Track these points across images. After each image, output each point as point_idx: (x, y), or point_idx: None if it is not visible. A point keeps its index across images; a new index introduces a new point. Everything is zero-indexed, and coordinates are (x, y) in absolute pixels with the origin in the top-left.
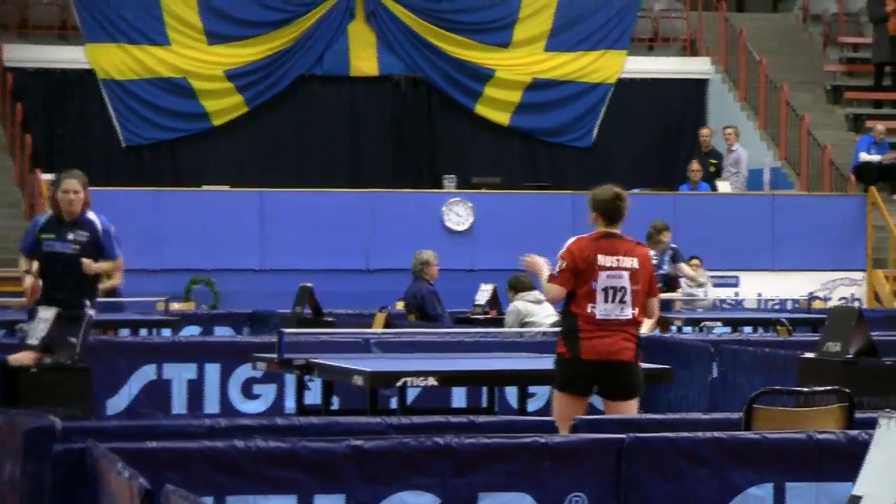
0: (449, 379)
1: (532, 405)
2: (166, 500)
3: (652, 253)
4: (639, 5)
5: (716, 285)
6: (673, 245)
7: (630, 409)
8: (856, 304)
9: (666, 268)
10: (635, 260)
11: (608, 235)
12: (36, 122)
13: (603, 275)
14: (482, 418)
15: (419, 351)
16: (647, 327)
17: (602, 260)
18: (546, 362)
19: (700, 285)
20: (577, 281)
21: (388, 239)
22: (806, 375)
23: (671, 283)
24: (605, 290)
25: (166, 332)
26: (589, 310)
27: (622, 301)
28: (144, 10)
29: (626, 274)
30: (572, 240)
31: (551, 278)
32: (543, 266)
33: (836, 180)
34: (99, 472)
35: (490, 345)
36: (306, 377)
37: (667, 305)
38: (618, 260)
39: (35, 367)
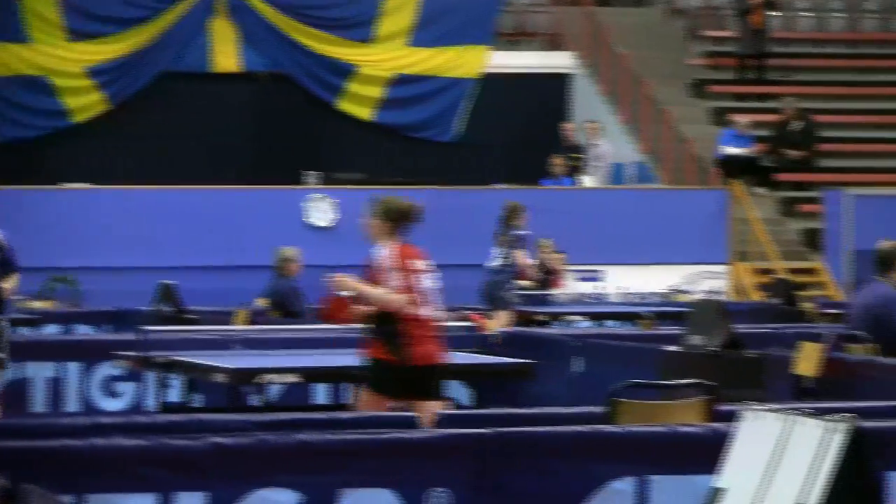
0: (311, 375)
1: None
2: (26, 498)
3: (523, 232)
4: (502, 0)
5: (579, 279)
6: (521, 232)
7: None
8: (719, 297)
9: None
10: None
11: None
12: None
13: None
14: (344, 415)
15: (281, 348)
16: (498, 323)
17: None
18: None
19: (547, 279)
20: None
21: (250, 236)
22: (669, 368)
23: (547, 276)
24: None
25: (26, 331)
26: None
27: None
28: (3, 8)
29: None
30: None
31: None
32: (353, 283)
33: (699, 174)
34: None
35: (352, 341)
36: (168, 375)
37: (542, 300)
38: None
39: None
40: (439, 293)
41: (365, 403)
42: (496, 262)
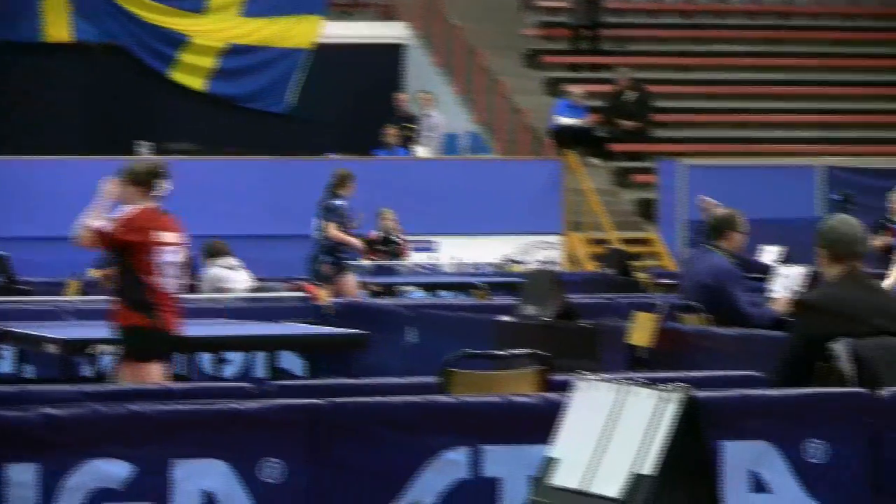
0: None
1: (227, 371)
2: None
3: (339, 203)
4: None
5: (413, 250)
6: (338, 202)
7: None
8: (553, 267)
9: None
10: None
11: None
12: None
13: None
14: (177, 385)
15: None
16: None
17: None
18: (243, 328)
19: (393, 249)
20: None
21: (82, 207)
22: (503, 339)
23: (392, 246)
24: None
25: None
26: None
27: None
28: None
29: None
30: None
31: None
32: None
33: (533, 144)
34: None
35: (186, 311)
36: None
37: (387, 271)
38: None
39: None
40: (179, 266)
41: (128, 373)
42: (316, 233)
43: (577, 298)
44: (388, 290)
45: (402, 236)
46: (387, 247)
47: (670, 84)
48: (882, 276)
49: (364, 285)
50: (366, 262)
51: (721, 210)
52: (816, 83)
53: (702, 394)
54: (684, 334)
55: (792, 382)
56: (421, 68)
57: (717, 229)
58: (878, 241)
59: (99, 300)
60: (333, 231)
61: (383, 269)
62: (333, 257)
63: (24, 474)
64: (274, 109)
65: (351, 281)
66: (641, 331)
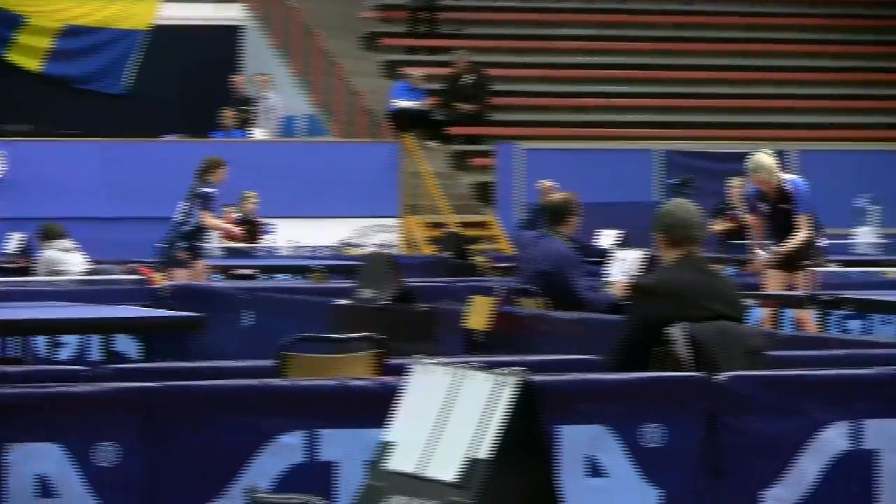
0: None
1: (62, 354)
2: None
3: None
4: None
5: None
6: (207, 190)
7: None
8: (390, 250)
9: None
10: None
11: None
12: None
13: None
14: (10, 368)
15: None
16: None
17: None
18: (78, 311)
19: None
20: None
21: None
22: (340, 322)
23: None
24: None
25: None
26: None
27: None
28: None
29: None
30: None
31: None
32: None
33: (370, 127)
34: None
35: (21, 294)
36: None
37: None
38: None
39: None
40: None
41: None
42: (178, 217)
43: (414, 282)
44: (229, 273)
45: (259, 218)
46: (249, 229)
47: (508, 67)
48: (720, 261)
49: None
50: (231, 245)
51: (558, 194)
52: (655, 67)
53: (538, 378)
54: (521, 318)
55: (629, 367)
56: (258, 50)
57: (554, 214)
58: (718, 227)
59: None
60: (208, 220)
61: (242, 253)
62: (189, 242)
63: None
64: (111, 91)
65: (202, 266)
66: (478, 314)
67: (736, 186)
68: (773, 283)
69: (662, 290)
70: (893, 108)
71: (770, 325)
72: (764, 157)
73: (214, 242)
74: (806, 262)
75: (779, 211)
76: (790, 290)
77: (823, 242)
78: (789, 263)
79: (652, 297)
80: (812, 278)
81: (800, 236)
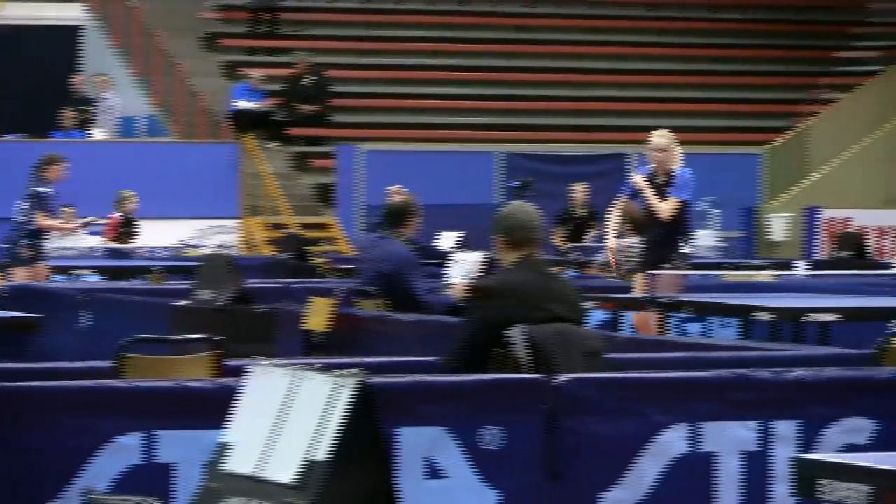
0: None
1: None
2: None
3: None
4: None
5: (89, 233)
6: (42, 189)
7: None
8: (229, 251)
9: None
10: None
11: None
12: None
13: None
14: None
15: None
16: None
17: None
18: None
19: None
20: None
21: None
22: (179, 323)
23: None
24: None
25: None
26: None
27: None
28: None
29: None
30: None
31: None
32: None
33: (210, 127)
34: None
35: None
36: None
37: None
38: None
39: None
40: None
41: None
42: (19, 217)
43: (253, 283)
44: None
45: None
46: (128, 229)
47: (349, 68)
48: (560, 264)
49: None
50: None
51: (397, 196)
52: (496, 69)
53: (377, 379)
54: (361, 319)
55: (468, 368)
56: (98, 50)
57: (394, 216)
58: (559, 235)
59: None
60: (41, 220)
61: (121, 253)
62: (33, 241)
63: None
64: None
65: (42, 267)
66: (318, 316)
67: (579, 192)
68: (641, 284)
69: (502, 292)
70: (732, 111)
71: (651, 330)
72: (666, 135)
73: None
74: (667, 265)
75: (662, 195)
76: (653, 291)
77: (688, 247)
78: (653, 264)
79: (492, 299)
80: (675, 281)
81: (662, 208)
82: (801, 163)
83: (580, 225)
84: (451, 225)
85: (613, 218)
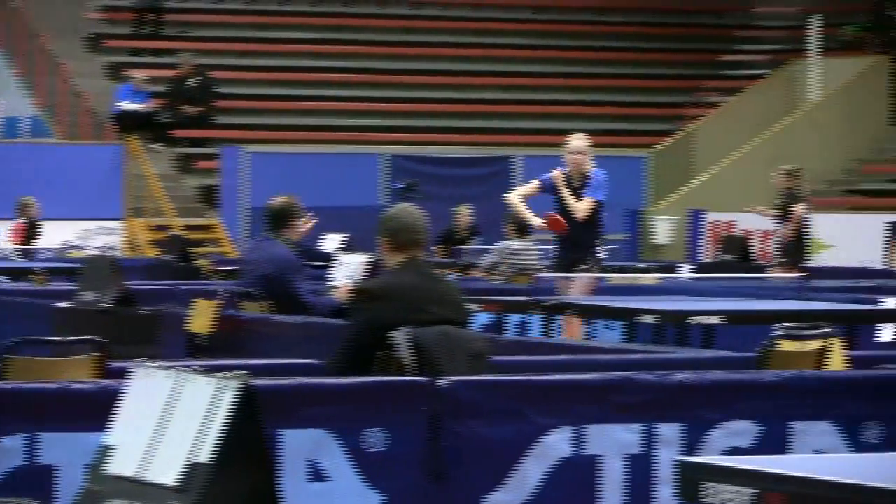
0: None
1: None
2: None
3: None
4: None
5: None
6: None
7: None
8: (113, 253)
9: None
10: None
11: None
12: None
13: None
14: None
15: None
16: None
17: None
18: None
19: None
20: None
21: None
22: (62, 325)
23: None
24: None
25: None
26: None
27: None
28: None
29: None
30: None
31: None
32: None
33: (94, 129)
34: None
35: None
36: None
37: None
38: None
39: None
40: None
41: None
42: None
43: (137, 285)
44: None
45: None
46: (33, 232)
47: (234, 70)
48: (444, 266)
49: None
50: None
51: (279, 199)
52: (380, 71)
53: (260, 381)
54: (245, 321)
55: (352, 371)
56: None
57: (276, 218)
58: (440, 253)
59: None
60: None
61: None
62: None
63: None
64: None
65: None
66: (201, 318)
67: (463, 215)
68: (563, 287)
69: (386, 295)
70: (617, 114)
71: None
72: (584, 138)
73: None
74: (582, 267)
75: (578, 197)
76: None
77: (603, 252)
78: (568, 265)
79: (376, 302)
80: (588, 283)
81: (578, 208)
82: (686, 166)
83: (461, 243)
84: (335, 227)
85: (517, 201)
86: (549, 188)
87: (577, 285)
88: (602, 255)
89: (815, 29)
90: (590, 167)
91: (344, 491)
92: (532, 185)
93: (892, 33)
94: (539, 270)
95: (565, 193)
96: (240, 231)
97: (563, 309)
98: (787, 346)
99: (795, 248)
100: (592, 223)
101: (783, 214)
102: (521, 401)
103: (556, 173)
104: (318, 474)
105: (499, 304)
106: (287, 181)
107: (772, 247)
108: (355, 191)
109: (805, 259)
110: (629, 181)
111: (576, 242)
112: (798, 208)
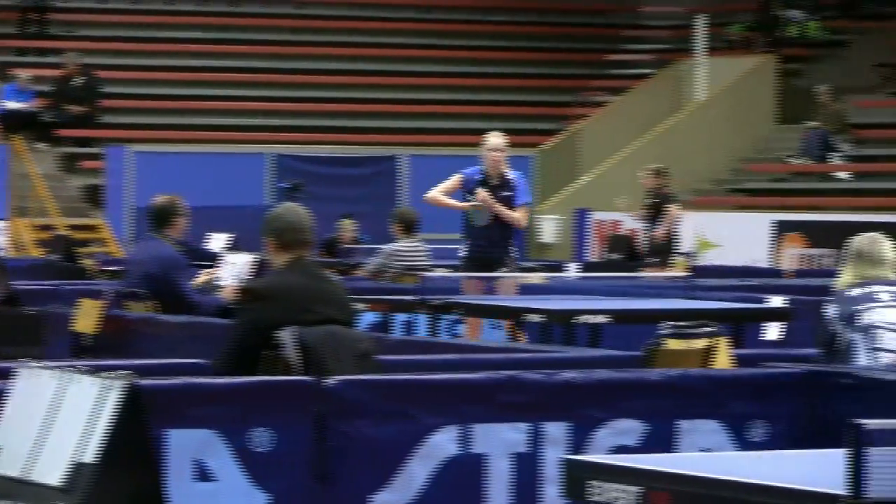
0: None
1: None
2: None
3: None
4: None
5: None
6: None
7: None
8: None
9: None
10: None
11: None
12: None
13: None
14: None
15: None
16: None
17: None
18: None
19: None
20: None
21: None
22: None
23: None
24: None
25: None
26: None
27: None
28: None
29: None
30: None
31: None
32: None
33: None
34: None
35: None
36: None
37: None
38: None
39: None
40: None
41: None
42: None
43: (21, 285)
44: None
45: None
46: None
47: (119, 69)
48: (329, 266)
49: None
50: None
51: (161, 197)
52: (265, 70)
53: (146, 381)
54: (130, 321)
55: (238, 370)
56: None
57: (159, 217)
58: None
59: None
60: None
61: None
62: None
63: None
64: None
65: None
66: (86, 318)
67: (348, 229)
68: (471, 287)
69: (272, 294)
70: (504, 113)
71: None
72: (501, 136)
73: None
74: (504, 268)
75: (500, 199)
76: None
77: (515, 251)
78: (487, 265)
79: (262, 301)
80: (509, 284)
81: (518, 218)
82: (573, 165)
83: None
84: (221, 226)
85: (440, 197)
86: (469, 185)
87: (504, 285)
88: (515, 254)
89: (700, 28)
90: (506, 166)
91: (230, 491)
92: (453, 181)
93: (777, 32)
94: (426, 270)
95: (500, 209)
96: (125, 231)
97: (449, 308)
98: (673, 344)
99: (667, 248)
100: (508, 225)
101: (655, 214)
102: (407, 400)
103: (483, 195)
104: (204, 474)
105: (385, 304)
106: (173, 181)
107: (642, 246)
108: (241, 190)
109: (673, 259)
110: None
111: (492, 241)
112: (672, 209)
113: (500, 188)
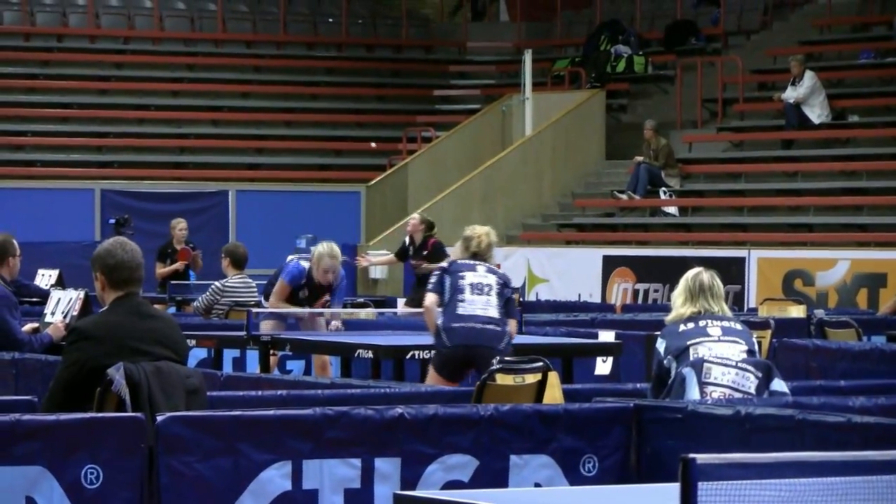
0: None
1: None
2: None
3: None
4: None
5: None
6: None
7: None
8: None
9: None
10: None
11: None
12: None
13: None
14: None
15: None
16: None
17: None
18: None
19: None
20: None
21: None
22: None
23: None
24: None
25: None
26: None
27: None
28: None
29: None
30: None
31: None
32: None
33: None
34: None
35: None
36: None
37: None
38: None
39: None
40: None
41: None
42: None
43: None
44: None
45: None
46: None
47: None
48: (162, 301)
49: None
50: None
51: None
52: (90, 106)
53: None
54: None
55: (68, 408)
56: None
57: None
58: (162, 269)
59: None
60: None
61: None
62: None
63: None
64: None
65: None
66: None
67: (180, 229)
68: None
69: (100, 333)
70: (332, 148)
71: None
72: (336, 247)
73: None
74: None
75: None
76: None
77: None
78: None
79: (89, 341)
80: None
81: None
82: (401, 201)
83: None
84: (49, 262)
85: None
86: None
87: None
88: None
89: (527, 64)
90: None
91: None
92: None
93: (604, 68)
94: (254, 305)
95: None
96: None
97: (280, 345)
98: (503, 379)
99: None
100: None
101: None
102: (236, 437)
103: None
104: None
105: (214, 340)
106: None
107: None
108: (69, 226)
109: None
110: (345, 216)
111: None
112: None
113: (325, 292)
